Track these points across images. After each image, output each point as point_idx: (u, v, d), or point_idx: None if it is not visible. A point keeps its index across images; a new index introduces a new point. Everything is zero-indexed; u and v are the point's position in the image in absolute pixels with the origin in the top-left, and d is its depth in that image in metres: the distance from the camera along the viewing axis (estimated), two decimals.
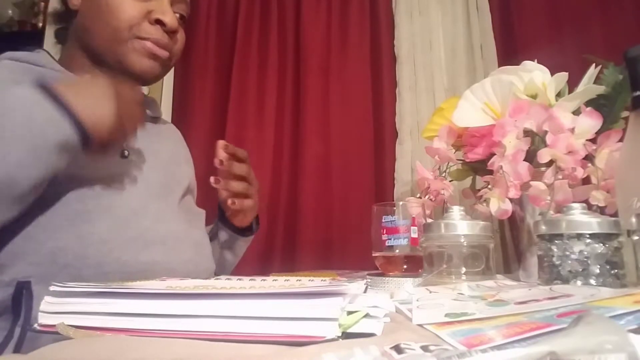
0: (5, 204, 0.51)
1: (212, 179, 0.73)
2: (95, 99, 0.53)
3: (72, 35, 0.73)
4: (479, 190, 0.66)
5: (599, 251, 0.47)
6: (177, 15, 0.74)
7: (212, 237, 0.88)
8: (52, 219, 0.57)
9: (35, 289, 0.54)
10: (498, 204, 0.62)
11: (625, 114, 0.64)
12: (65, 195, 0.59)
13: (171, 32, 0.71)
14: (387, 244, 0.67)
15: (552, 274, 0.49)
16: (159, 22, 0.69)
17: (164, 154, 0.77)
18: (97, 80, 0.56)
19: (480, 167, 0.70)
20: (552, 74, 0.69)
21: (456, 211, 0.58)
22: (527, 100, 0.66)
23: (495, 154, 0.63)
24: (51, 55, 0.71)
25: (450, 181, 0.75)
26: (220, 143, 0.73)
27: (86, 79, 0.60)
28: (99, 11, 0.68)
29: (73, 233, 0.58)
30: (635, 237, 0.45)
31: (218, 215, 0.88)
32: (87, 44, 0.70)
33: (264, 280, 0.48)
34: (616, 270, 0.47)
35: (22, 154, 0.49)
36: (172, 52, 0.74)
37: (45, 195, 0.56)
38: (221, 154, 0.73)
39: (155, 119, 0.82)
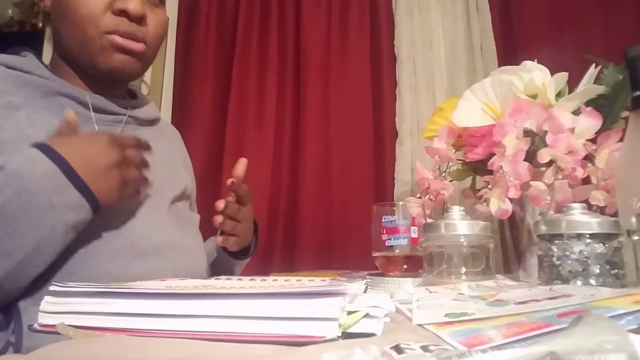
0: (21, 285, 0.52)
1: (217, 219, 0.75)
2: (102, 165, 0.54)
3: (52, 39, 0.70)
4: (479, 190, 0.66)
5: (599, 251, 0.47)
6: None
7: (215, 253, 0.87)
8: None
9: (21, 305, 0.53)
10: (498, 204, 0.62)
11: (625, 114, 0.64)
12: None
13: (139, 19, 0.65)
14: (387, 244, 0.67)
15: (552, 274, 0.49)
16: (122, 11, 0.64)
17: (158, 157, 0.73)
18: (99, 140, 0.55)
19: (480, 167, 0.70)
20: (552, 74, 0.69)
21: (456, 211, 0.58)
22: (527, 100, 0.66)
23: (495, 154, 0.63)
24: (39, 59, 0.68)
25: (450, 181, 0.75)
26: (239, 171, 0.74)
27: (80, 138, 0.56)
28: (65, 10, 0.64)
29: None
30: (635, 237, 0.45)
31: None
32: (60, 47, 0.68)
33: (264, 280, 0.48)
34: (616, 270, 0.47)
35: (40, 239, 0.50)
36: (148, 41, 0.68)
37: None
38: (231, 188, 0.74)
39: (152, 122, 0.79)
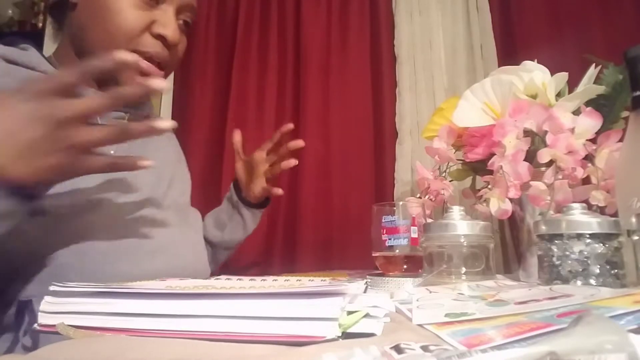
0: None
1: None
2: (14, 136, 0.39)
3: (67, 29, 0.69)
4: (479, 190, 0.66)
5: (599, 251, 0.47)
6: (181, 21, 0.71)
7: (227, 219, 0.92)
8: (52, 235, 0.56)
9: (37, 308, 0.53)
10: (498, 204, 0.62)
11: (625, 114, 0.64)
12: (62, 209, 0.57)
13: (171, 46, 0.68)
14: (387, 244, 0.67)
15: (552, 274, 0.49)
16: (160, 36, 0.66)
17: (154, 154, 0.74)
18: (10, 102, 0.41)
19: (480, 167, 0.70)
20: (552, 74, 0.69)
21: (456, 211, 0.58)
22: (527, 100, 0.66)
23: (495, 154, 0.63)
24: (41, 53, 0.67)
25: (450, 181, 0.75)
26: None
27: (9, 102, 0.41)
28: (99, 12, 0.64)
29: (73, 249, 0.56)
30: (635, 237, 0.45)
31: (236, 195, 0.93)
32: (80, 43, 0.67)
33: (264, 280, 0.48)
34: (616, 270, 0.47)
35: None
36: (169, 67, 0.71)
37: (43, 212, 0.55)
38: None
39: (145, 118, 0.78)
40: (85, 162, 0.45)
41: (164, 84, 0.45)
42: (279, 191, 0.90)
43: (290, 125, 0.86)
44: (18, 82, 0.60)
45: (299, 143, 0.84)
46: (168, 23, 0.66)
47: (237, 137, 0.90)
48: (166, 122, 0.47)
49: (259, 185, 0.90)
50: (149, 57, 0.66)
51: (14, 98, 0.42)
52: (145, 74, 0.64)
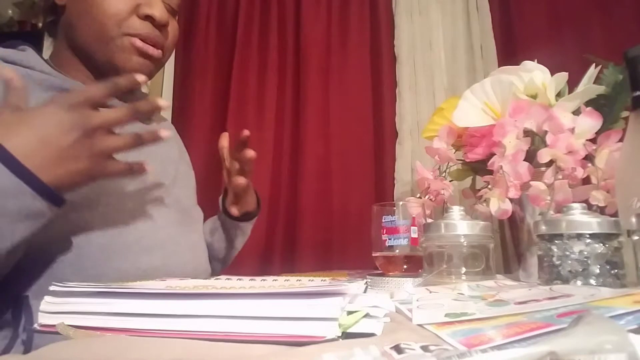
0: None
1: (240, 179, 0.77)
2: (63, 144, 0.44)
3: (60, 32, 0.70)
4: (479, 190, 0.66)
5: (599, 251, 0.47)
6: (167, 5, 0.70)
7: (218, 227, 0.89)
8: (48, 231, 0.54)
9: (33, 304, 0.52)
10: (498, 204, 0.62)
11: (625, 114, 0.65)
12: None
13: (161, 26, 0.68)
14: (387, 244, 0.67)
15: (552, 274, 0.49)
16: (147, 17, 0.66)
17: (158, 153, 0.74)
18: (47, 111, 0.45)
19: (480, 167, 0.70)
20: (552, 74, 0.69)
21: (456, 211, 0.58)
22: (527, 100, 0.66)
23: (495, 154, 0.63)
24: (39, 54, 0.67)
25: (450, 181, 0.75)
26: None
27: (33, 113, 0.46)
28: (85, 7, 0.65)
29: (70, 244, 0.56)
30: (635, 237, 0.45)
31: (222, 209, 0.89)
32: (74, 42, 0.68)
33: (264, 280, 0.48)
34: (616, 270, 0.47)
35: None
36: (164, 48, 0.71)
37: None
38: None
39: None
40: (108, 166, 0.49)
41: (167, 103, 0.53)
42: (237, 180, 0.77)
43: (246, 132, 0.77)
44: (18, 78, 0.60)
45: (244, 133, 0.76)
46: (153, 3, 0.67)
47: (223, 141, 0.79)
48: (165, 132, 0.53)
49: (230, 194, 0.82)
50: (141, 39, 0.66)
51: (49, 108, 0.46)
52: (143, 54, 0.67)
